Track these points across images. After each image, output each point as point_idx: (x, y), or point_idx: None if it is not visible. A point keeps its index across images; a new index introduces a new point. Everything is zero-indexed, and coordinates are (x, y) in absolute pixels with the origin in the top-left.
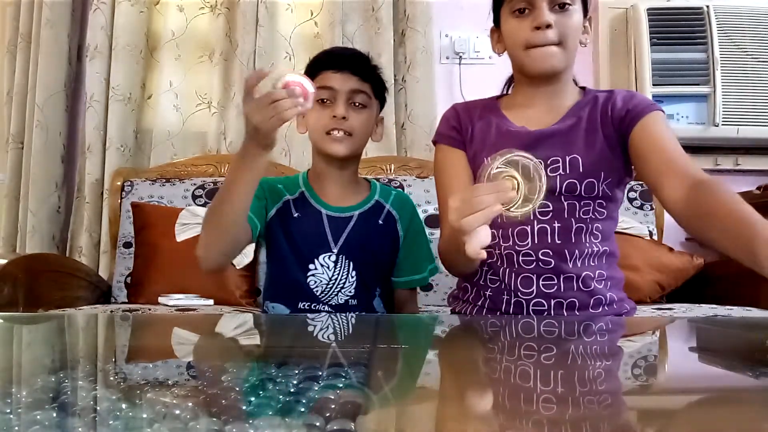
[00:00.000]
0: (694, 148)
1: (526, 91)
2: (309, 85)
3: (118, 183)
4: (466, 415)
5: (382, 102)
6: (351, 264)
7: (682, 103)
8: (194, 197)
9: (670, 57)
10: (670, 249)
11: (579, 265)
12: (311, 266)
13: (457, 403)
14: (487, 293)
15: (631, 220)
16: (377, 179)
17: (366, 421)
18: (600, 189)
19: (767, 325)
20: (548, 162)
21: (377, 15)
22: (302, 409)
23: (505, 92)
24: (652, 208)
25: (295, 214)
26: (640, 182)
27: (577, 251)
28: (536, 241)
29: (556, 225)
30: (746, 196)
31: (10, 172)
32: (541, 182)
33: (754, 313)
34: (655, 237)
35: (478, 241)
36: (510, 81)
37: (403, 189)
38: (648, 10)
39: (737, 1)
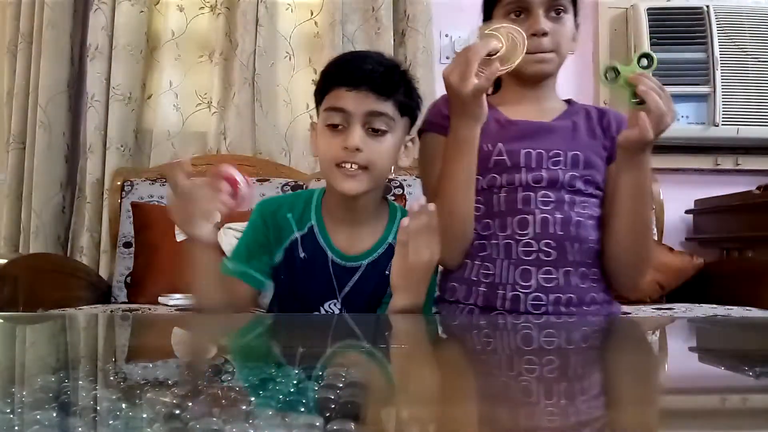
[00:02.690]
0: (694, 148)
1: (515, 91)
2: (242, 182)
3: (118, 183)
4: (466, 415)
5: (413, 118)
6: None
7: (682, 103)
8: None
9: (670, 57)
10: (670, 249)
11: (579, 260)
12: (315, 312)
13: (458, 404)
14: (480, 289)
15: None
16: None
17: (366, 421)
18: (597, 188)
19: (767, 325)
20: (550, 154)
21: (377, 15)
22: (302, 409)
23: (490, 92)
24: (652, 208)
25: (302, 255)
26: None
27: (577, 244)
28: (538, 231)
29: (558, 216)
30: (746, 196)
31: (11, 173)
32: (522, 41)
33: (754, 313)
34: (655, 237)
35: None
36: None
37: (402, 189)
38: (648, 10)
39: (737, 1)
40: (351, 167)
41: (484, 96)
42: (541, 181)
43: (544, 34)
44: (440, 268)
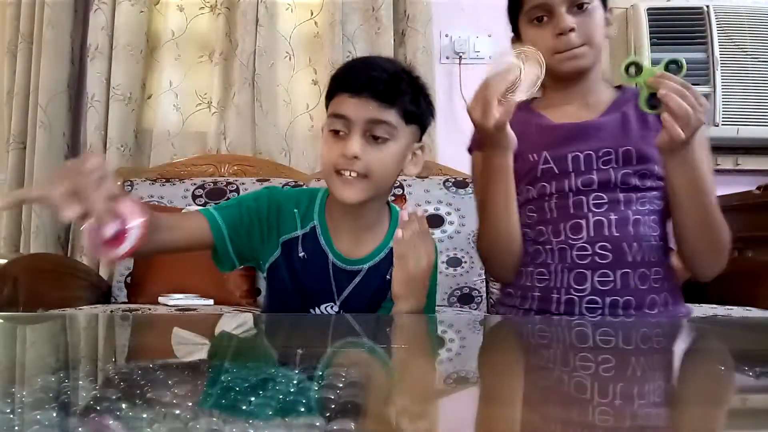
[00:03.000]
0: None
1: (557, 92)
2: (132, 226)
3: (118, 183)
4: (468, 415)
5: (422, 126)
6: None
7: None
8: (194, 197)
9: (670, 57)
10: (671, 249)
11: (639, 260)
12: (311, 311)
13: (461, 403)
14: (535, 294)
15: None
16: None
17: (366, 421)
18: (657, 179)
19: (767, 325)
20: (600, 154)
21: (377, 15)
22: (302, 409)
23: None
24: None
25: (301, 254)
26: None
27: (635, 244)
28: (592, 234)
29: (613, 217)
30: (746, 196)
31: (11, 173)
32: (541, 66)
33: (754, 313)
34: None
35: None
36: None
37: (403, 189)
38: (648, 10)
39: (737, 1)
40: (349, 174)
41: (508, 126)
42: (592, 184)
43: (571, 30)
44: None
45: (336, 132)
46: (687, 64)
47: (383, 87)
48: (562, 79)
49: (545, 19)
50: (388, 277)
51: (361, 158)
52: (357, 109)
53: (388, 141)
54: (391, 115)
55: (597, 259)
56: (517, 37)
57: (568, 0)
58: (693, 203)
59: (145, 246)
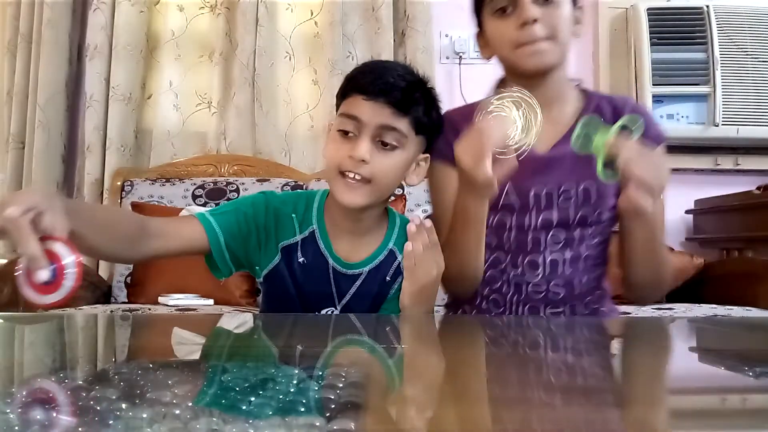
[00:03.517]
0: (694, 148)
1: None
2: (68, 268)
3: (118, 183)
4: (466, 415)
5: (430, 137)
6: None
7: (682, 103)
8: (194, 197)
9: (670, 57)
10: (671, 249)
11: (585, 291)
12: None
13: (457, 403)
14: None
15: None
16: None
17: (366, 421)
18: (608, 215)
19: (767, 325)
20: (560, 191)
21: (377, 15)
22: (302, 409)
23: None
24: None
25: (301, 259)
26: None
27: (585, 277)
28: (548, 272)
29: (568, 255)
30: (746, 196)
31: (10, 172)
32: (537, 113)
33: (754, 313)
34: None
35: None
36: (500, 84)
37: (402, 189)
38: (648, 10)
39: (737, 1)
40: (353, 178)
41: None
42: (551, 223)
43: (535, 20)
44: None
45: (345, 132)
46: (687, 64)
47: (399, 94)
48: (523, 77)
49: (509, 9)
50: (388, 278)
51: (368, 162)
52: (370, 112)
53: (397, 149)
54: (403, 124)
55: (550, 295)
56: (480, 31)
57: None
58: (645, 250)
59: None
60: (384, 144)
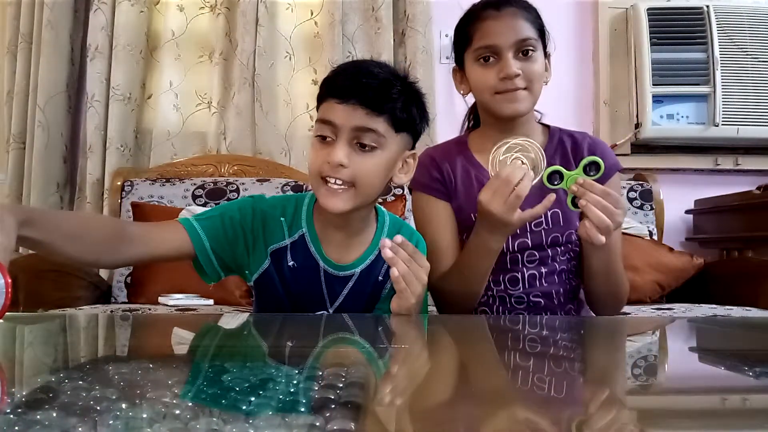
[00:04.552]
0: (694, 148)
1: (494, 135)
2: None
3: (119, 183)
4: (466, 415)
5: (415, 133)
6: None
7: (682, 103)
8: (194, 197)
9: (670, 57)
10: (670, 249)
11: (563, 300)
12: None
13: (457, 403)
14: None
15: (631, 220)
16: None
17: (366, 421)
18: (576, 236)
19: (767, 325)
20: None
21: (377, 15)
22: (302, 409)
23: (468, 124)
24: (652, 208)
25: (291, 263)
26: (640, 182)
27: (561, 289)
28: (527, 286)
29: (544, 270)
30: (746, 196)
31: (11, 173)
32: (542, 155)
33: (754, 313)
34: (655, 237)
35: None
36: (472, 111)
37: (402, 189)
38: (648, 10)
39: (737, 1)
40: (335, 184)
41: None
42: (526, 246)
43: (516, 75)
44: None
45: (323, 138)
46: (687, 64)
47: (372, 94)
48: (500, 119)
49: (491, 59)
50: (380, 278)
51: (347, 166)
52: (344, 115)
53: (376, 149)
54: (380, 123)
55: (531, 306)
56: (459, 68)
57: (515, 46)
58: (602, 272)
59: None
60: (362, 146)
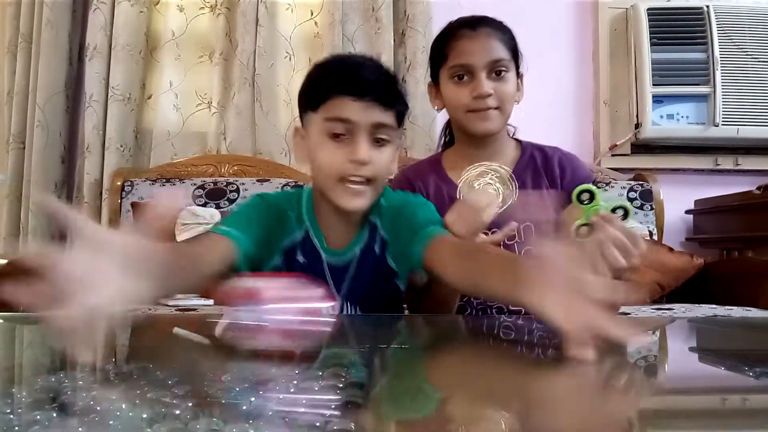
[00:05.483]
0: (694, 148)
1: (467, 152)
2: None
3: (119, 183)
4: (465, 414)
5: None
6: (356, 308)
7: (682, 103)
8: (194, 197)
9: (670, 57)
10: (670, 249)
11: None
12: None
13: (456, 403)
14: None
15: (631, 220)
16: None
17: (366, 421)
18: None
19: (767, 325)
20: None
21: (377, 15)
22: (302, 409)
23: (443, 140)
24: (652, 208)
25: (302, 259)
26: (640, 182)
27: None
28: None
29: None
30: (746, 196)
31: (11, 173)
32: (512, 181)
33: (754, 313)
34: (655, 237)
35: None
36: (447, 127)
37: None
38: (648, 10)
39: (737, 1)
40: (358, 185)
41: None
42: None
43: (489, 95)
44: None
45: (336, 136)
46: (687, 64)
47: (384, 90)
48: (472, 137)
49: (465, 78)
50: (377, 253)
51: (371, 162)
52: (362, 112)
53: (388, 143)
54: (391, 117)
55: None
56: (434, 83)
57: (488, 66)
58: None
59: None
60: (378, 142)
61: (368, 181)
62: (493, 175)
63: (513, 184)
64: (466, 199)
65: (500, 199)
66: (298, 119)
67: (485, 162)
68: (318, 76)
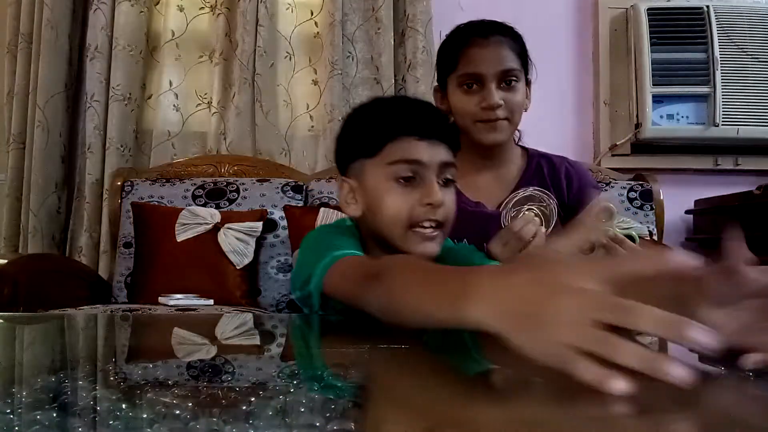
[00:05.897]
0: (694, 148)
1: (473, 158)
2: None
3: (119, 183)
4: (465, 414)
5: None
6: None
7: (682, 103)
8: (194, 197)
9: (670, 57)
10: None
11: None
12: None
13: (456, 403)
14: None
15: (631, 220)
16: None
17: (366, 421)
18: None
19: None
20: None
21: (377, 15)
22: (302, 409)
23: None
24: (652, 208)
25: None
26: (640, 182)
27: None
28: None
29: None
30: (746, 196)
31: (11, 173)
32: (551, 202)
33: None
34: (655, 237)
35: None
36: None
37: None
38: (648, 10)
39: (737, 1)
40: (431, 229)
41: None
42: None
43: (498, 106)
44: None
45: (404, 180)
46: (687, 64)
47: (446, 128)
48: (480, 146)
49: (474, 86)
50: None
51: (444, 205)
52: (431, 153)
53: (453, 183)
54: (453, 156)
55: None
56: (441, 88)
57: (499, 76)
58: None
59: None
60: (445, 182)
61: (439, 224)
62: (533, 203)
63: (555, 210)
64: (511, 228)
65: (543, 228)
66: (334, 163)
67: (529, 188)
68: (374, 121)
